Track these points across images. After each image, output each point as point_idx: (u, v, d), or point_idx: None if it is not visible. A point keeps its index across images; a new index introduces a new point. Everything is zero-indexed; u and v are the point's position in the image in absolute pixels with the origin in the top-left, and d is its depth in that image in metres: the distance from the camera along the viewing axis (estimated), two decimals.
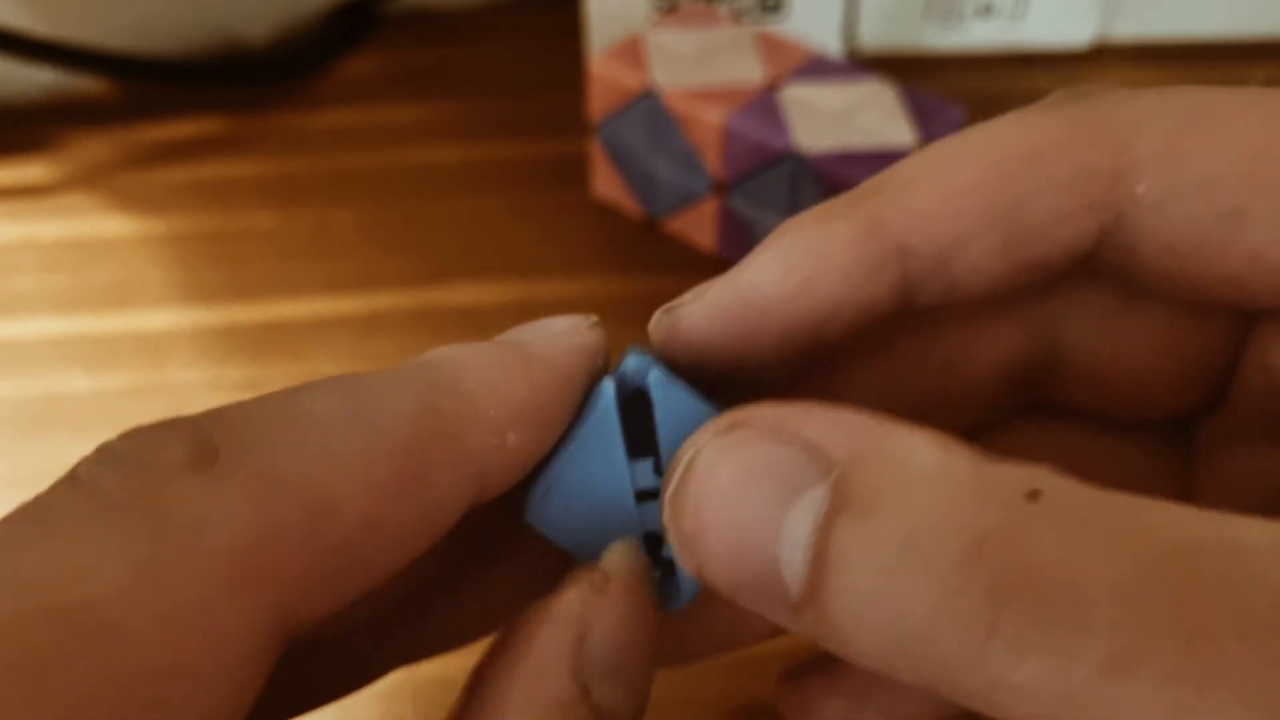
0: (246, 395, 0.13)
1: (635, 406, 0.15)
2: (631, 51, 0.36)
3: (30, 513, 0.11)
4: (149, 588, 0.11)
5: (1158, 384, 0.17)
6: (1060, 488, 0.12)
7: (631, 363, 0.16)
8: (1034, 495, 0.11)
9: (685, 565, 0.13)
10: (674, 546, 0.13)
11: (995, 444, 0.18)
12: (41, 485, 0.12)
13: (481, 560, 0.18)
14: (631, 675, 0.14)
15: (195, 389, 0.33)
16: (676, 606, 0.16)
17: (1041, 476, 0.12)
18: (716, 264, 0.36)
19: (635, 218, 0.38)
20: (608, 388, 0.15)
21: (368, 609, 0.16)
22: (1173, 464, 0.18)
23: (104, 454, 0.12)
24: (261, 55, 0.46)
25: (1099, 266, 0.16)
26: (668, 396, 0.15)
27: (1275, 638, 0.10)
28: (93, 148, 0.41)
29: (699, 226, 0.36)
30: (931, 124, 0.33)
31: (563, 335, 0.15)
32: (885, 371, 0.18)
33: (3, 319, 0.35)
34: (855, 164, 0.32)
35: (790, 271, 0.15)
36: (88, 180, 0.40)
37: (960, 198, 0.15)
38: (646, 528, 0.15)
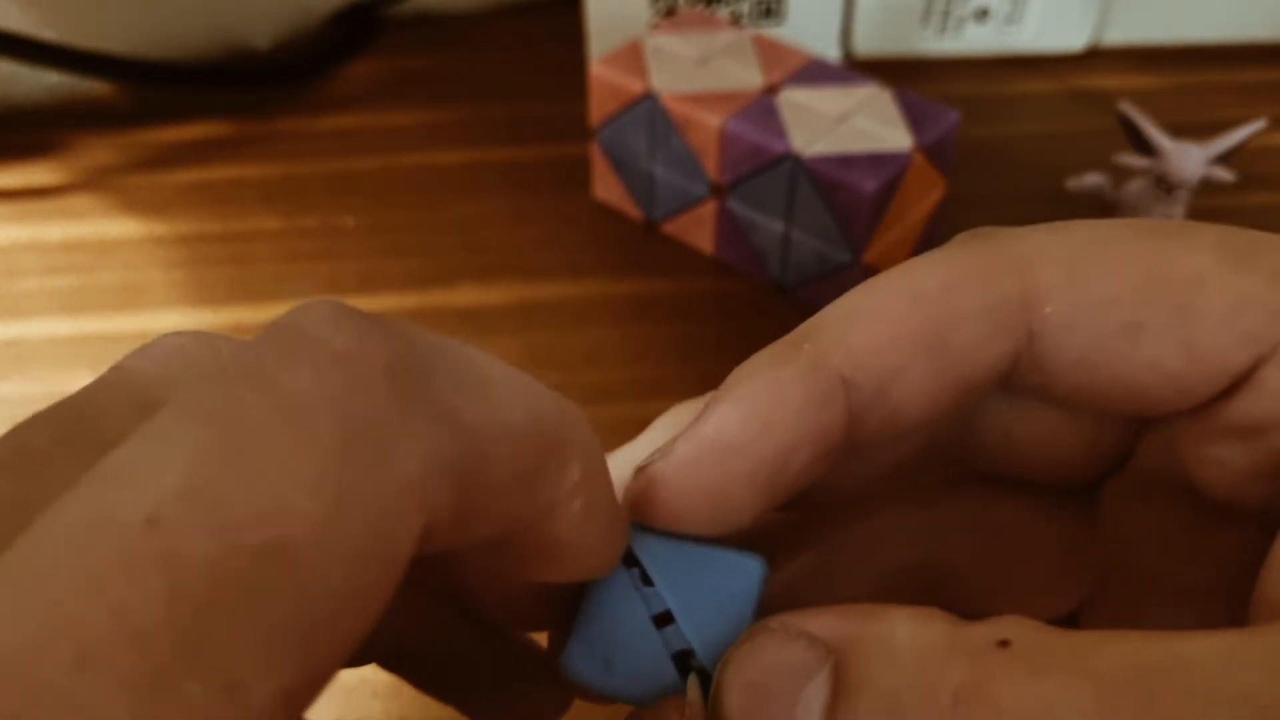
0: None
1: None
2: (631, 56, 0.36)
3: (220, 421, 0.11)
4: (339, 523, 0.11)
5: (1064, 464, 0.19)
6: (1026, 634, 0.13)
7: None
8: (1004, 644, 0.13)
9: None
10: None
11: (922, 511, 0.20)
12: None
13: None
14: None
15: None
16: None
17: (1009, 626, 0.13)
18: (715, 265, 0.37)
19: (635, 220, 0.39)
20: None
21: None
22: (1080, 520, 0.20)
23: (295, 334, 0.12)
24: (266, 60, 0.47)
25: (1016, 383, 0.17)
26: (647, 542, 0.17)
27: None
28: (98, 150, 0.42)
29: (698, 228, 0.37)
30: (927, 128, 0.34)
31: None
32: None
33: (9, 320, 0.35)
34: (852, 167, 0.32)
35: (750, 416, 0.16)
36: (93, 182, 0.41)
37: (891, 332, 0.16)
38: (672, 649, 0.17)
